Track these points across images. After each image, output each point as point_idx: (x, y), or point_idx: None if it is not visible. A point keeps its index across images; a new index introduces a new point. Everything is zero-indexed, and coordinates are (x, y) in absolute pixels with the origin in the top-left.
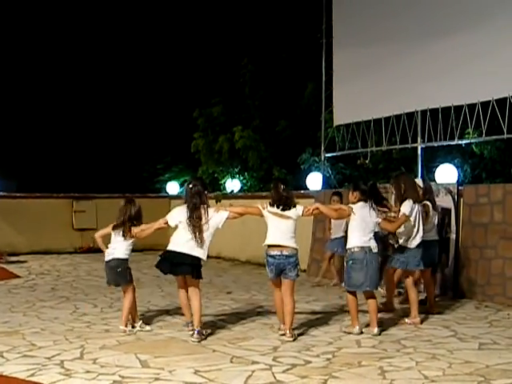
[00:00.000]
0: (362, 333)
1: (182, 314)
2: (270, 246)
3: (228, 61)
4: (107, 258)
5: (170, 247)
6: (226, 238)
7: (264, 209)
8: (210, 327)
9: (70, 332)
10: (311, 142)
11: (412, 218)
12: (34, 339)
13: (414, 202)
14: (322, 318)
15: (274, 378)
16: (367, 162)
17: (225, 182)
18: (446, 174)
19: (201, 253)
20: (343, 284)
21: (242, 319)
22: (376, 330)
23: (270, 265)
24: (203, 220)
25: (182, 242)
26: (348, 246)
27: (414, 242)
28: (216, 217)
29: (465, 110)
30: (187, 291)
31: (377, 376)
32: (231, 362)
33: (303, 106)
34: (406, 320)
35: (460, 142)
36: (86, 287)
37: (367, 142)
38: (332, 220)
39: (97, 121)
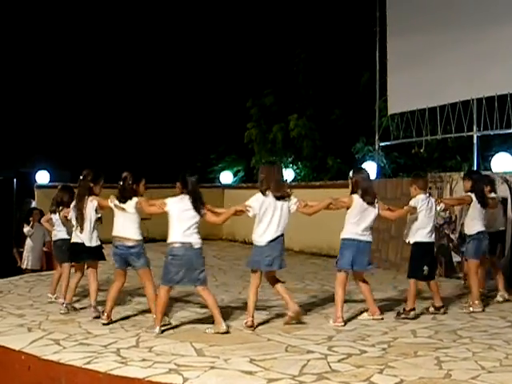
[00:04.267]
0: (162, 332)
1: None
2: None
3: (281, 51)
4: (54, 238)
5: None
6: None
7: (111, 202)
8: (265, 316)
9: (126, 320)
10: (365, 131)
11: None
12: (89, 327)
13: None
14: None
15: (330, 367)
16: (422, 150)
17: None
18: (503, 162)
19: (84, 239)
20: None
21: None
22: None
23: (115, 255)
24: (84, 210)
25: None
26: (168, 241)
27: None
28: (89, 206)
29: None
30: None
31: (433, 366)
32: (286, 351)
33: (358, 95)
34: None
35: None
36: None
37: (422, 131)
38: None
39: (150, 111)
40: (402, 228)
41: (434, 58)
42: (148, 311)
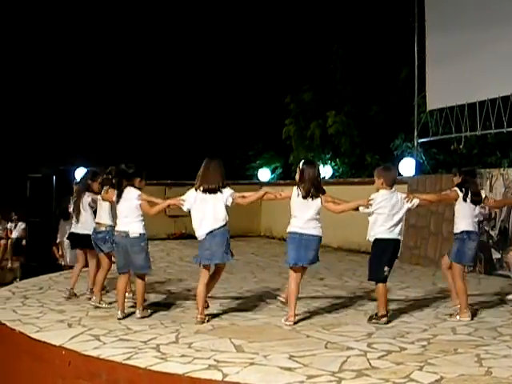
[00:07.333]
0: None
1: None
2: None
3: (320, 47)
4: None
5: None
6: None
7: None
8: (304, 313)
9: (165, 316)
10: (404, 127)
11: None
12: (129, 323)
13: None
14: (416, 305)
15: (369, 364)
16: (461, 147)
17: None
18: None
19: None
20: None
21: (335, 305)
22: (138, 312)
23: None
24: (81, 204)
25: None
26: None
27: None
28: (84, 200)
29: None
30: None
31: (473, 363)
32: (326, 347)
33: (396, 91)
34: None
35: None
36: (178, 273)
37: (461, 127)
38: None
39: (190, 109)
40: (442, 225)
41: (473, 53)
42: (187, 307)
